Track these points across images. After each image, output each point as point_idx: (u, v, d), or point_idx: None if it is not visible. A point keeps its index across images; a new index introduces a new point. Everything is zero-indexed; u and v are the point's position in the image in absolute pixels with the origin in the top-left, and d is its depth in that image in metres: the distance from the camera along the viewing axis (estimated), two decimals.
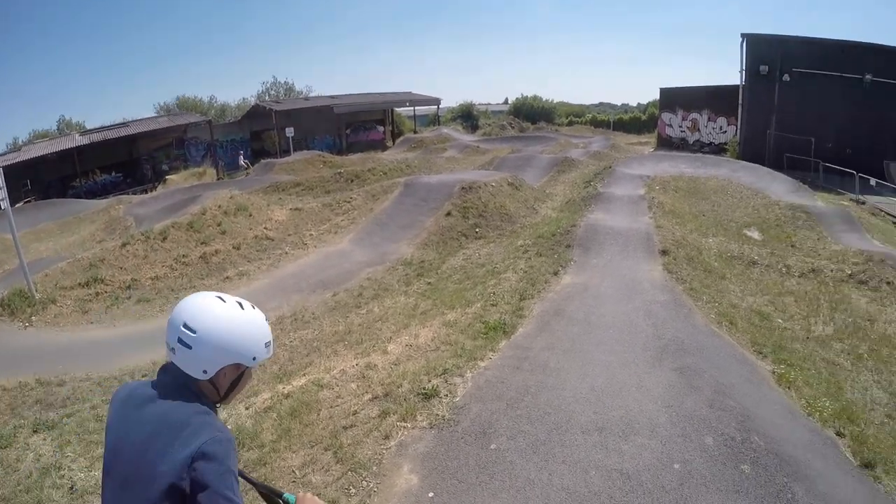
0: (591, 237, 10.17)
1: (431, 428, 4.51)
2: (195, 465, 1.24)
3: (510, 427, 4.58)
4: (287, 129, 31.55)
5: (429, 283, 9.44)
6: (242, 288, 10.87)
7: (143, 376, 7.10)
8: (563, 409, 4.91)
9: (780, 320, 8.05)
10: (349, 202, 15.25)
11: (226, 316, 1.46)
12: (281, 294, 10.45)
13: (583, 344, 6.16)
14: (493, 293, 7.55)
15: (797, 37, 23.89)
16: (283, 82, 52.51)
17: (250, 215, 14.04)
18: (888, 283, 9.70)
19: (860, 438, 5.30)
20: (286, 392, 5.53)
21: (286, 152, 31.06)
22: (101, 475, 1.39)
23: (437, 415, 4.56)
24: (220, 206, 14.21)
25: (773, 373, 6.32)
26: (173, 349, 1.45)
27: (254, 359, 1.50)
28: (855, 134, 22.46)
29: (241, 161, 31.16)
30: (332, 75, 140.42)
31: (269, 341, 1.54)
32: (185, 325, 1.42)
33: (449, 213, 12.76)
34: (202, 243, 12.30)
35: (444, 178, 16.20)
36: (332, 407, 5.11)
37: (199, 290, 8.88)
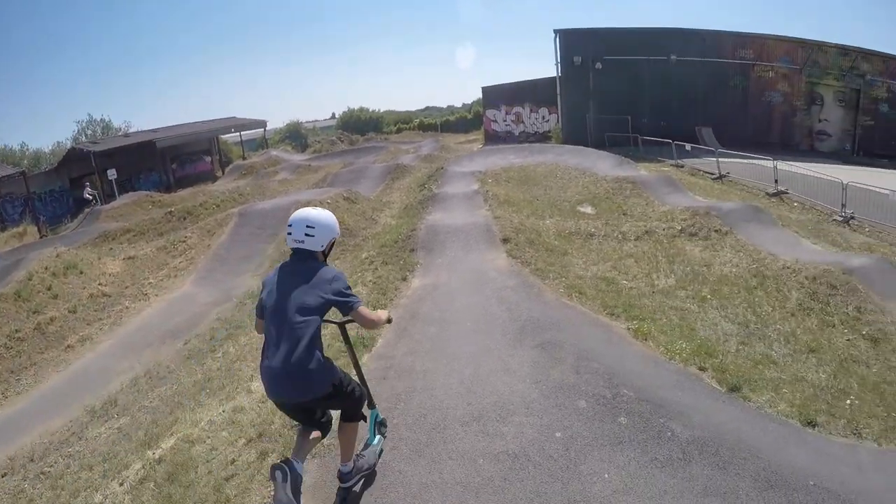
0: (432, 238, 13.68)
1: (314, 458, 5.78)
2: (341, 290, 4.17)
3: (391, 437, 5.95)
4: (109, 171, 38.40)
5: None
6: (88, 354, 13.24)
7: None
8: (437, 407, 6.49)
9: (625, 282, 11.53)
10: (184, 242, 19.57)
11: (324, 213, 4.43)
12: (130, 352, 12.84)
13: (443, 341, 8.17)
14: None
15: (606, 28, 36.87)
16: (99, 120, 63.34)
17: (82, 272, 17.27)
18: (716, 230, 14.75)
19: (721, 368, 8.03)
20: (157, 457, 6.79)
21: (110, 196, 38.35)
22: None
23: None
24: (47, 268, 17.00)
25: (629, 329, 9.04)
26: (302, 241, 4.26)
27: (338, 232, 4.51)
28: (667, 107, 34.96)
29: (87, 193, 38.79)
30: (151, 108, 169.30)
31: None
32: (308, 224, 4.27)
33: None
34: (34, 312, 14.95)
35: (278, 202, 21.34)
36: (208, 461, 6.33)
37: (40, 366, 12.37)
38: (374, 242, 15.53)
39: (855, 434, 7.27)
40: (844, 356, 9.58)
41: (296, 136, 65.56)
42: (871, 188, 18.42)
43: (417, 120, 69.98)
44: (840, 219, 18.31)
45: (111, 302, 16.36)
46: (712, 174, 24.26)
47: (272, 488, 4.39)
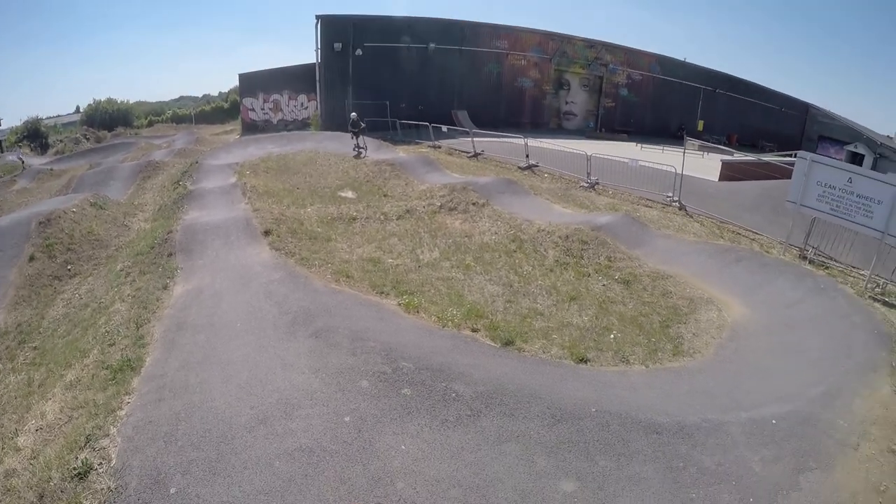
0: (191, 239, 13.39)
1: None
2: None
3: (180, 463, 5.87)
4: None
5: (35, 349, 10.96)
6: None
7: None
8: (221, 419, 6.49)
9: (390, 260, 12.41)
10: None
11: None
12: None
13: (215, 348, 8.17)
14: (107, 331, 9.51)
15: (368, 15, 38.57)
16: None
17: None
18: (473, 203, 16.35)
19: (493, 326, 9.32)
20: None
21: None
22: None
23: (102, 489, 5.68)
24: None
25: (400, 305, 9.89)
26: None
27: None
28: (425, 92, 38.26)
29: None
30: None
31: None
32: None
33: (32, 258, 14.97)
34: None
35: (16, 217, 18.38)
36: None
37: None
38: (128, 251, 14.82)
39: (623, 362, 9.16)
40: (602, 299, 11.69)
41: (35, 135, 59.91)
42: (612, 158, 21.81)
43: (170, 111, 67.70)
44: (586, 185, 21.40)
45: None
46: (468, 153, 26.59)
47: None
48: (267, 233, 13.38)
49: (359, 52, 37.03)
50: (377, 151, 25.69)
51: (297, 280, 10.80)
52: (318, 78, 38.77)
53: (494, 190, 18.26)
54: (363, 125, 26.00)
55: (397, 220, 15.49)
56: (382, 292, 10.56)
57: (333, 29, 36.88)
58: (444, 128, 29.54)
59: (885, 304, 13.49)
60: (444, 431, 6.35)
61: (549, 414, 6.69)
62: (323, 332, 8.38)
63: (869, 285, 14.16)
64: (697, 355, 9.86)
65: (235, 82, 54.23)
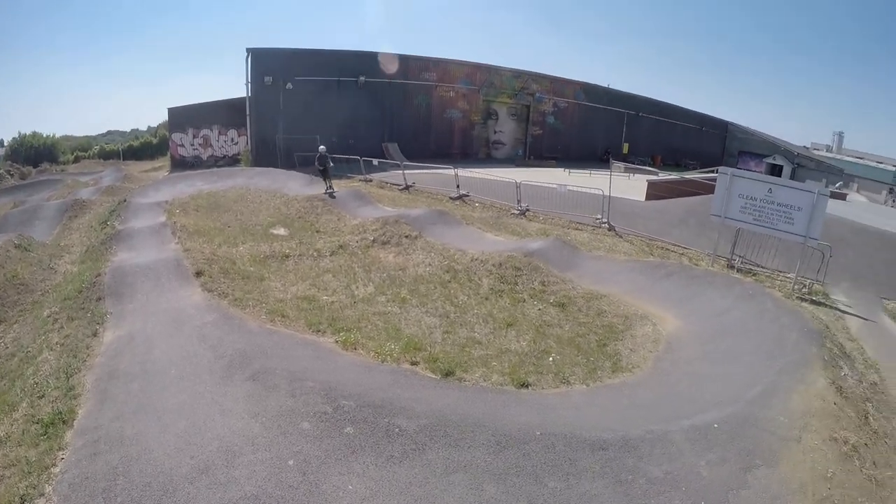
0: (121, 282, 12.88)
1: None
2: None
3: None
4: None
5: None
6: None
7: None
8: (160, 471, 6.28)
9: (325, 297, 12.26)
10: None
11: None
12: None
13: (150, 397, 7.92)
14: (36, 383, 9.06)
15: (299, 49, 38.49)
16: None
17: None
18: (406, 236, 16.34)
19: (432, 358, 9.33)
20: None
21: None
22: None
23: None
24: None
25: (337, 342, 9.80)
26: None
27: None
28: (356, 126, 37.84)
29: None
30: None
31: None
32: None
33: None
34: None
35: None
36: None
37: None
38: (55, 296, 14.16)
39: (564, 383, 9.35)
40: (539, 323, 11.90)
41: None
42: (541, 184, 22.55)
43: (98, 147, 65.63)
44: (517, 212, 21.75)
45: None
46: (399, 185, 26.68)
47: None
48: (199, 273, 13.08)
49: (289, 85, 37.06)
50: (308, 187, 25.52)
51: (231, 322, 10.58)
52: (248, 112, 38.56)
53: (427, 221, 18.36)
54: (331, 164, 25.08)
55: (331, 255, 15.37)
56: (319, 330, 10.46)
57: (264, 62, 36.89)
58: (375, 161, 29.68)
59: (813, 302, 14.22)
60: (391, 468, 6.29)
61: (495, 441, 6.70)
62: (260, 375, 8.22)
63: (795, 287, 14.93)
64: (636, 370, 10.17)
65: (165, 116, 52.26)
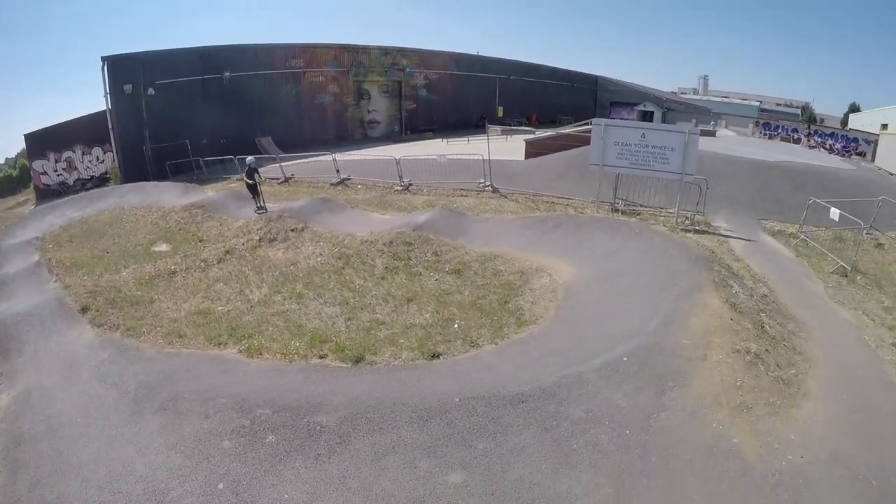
0: (4, 336, 11.79)
1: None
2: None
3: None
4: None
5: None
6: None
7: None
8: None
9: (220, 307, 11.87)
10: None
11: None
12: None
13: (63, 454, 7.49)
14: None
15: (157, 51, 35.81)
16: None
17: None
18: (292, 229, 16.05)
19: (339, 348, 9.32)
20: None
21: None
22: None
23: None
24: None
25: (240, 351, 9.55)
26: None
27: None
28: (226, 124, 36.02)
29: None
30: None
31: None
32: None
33: None
34: None
35: None
36: None
37: None
38: None
39: (474, 346, 9.62)
40: (438, 293, 12.08)
41: None
42: (420, 157, 22.70)
43: None
44: (401, 188, 21.87)
45: None
46: (278, 179, 26.00)
47: None
48: (85, 309, 12.33)
49: (151, 91, 34.98)
50: (185, 196, 24.29)
51: (128, 354, 10.10)
52: (110, 126, 35.93)
53: (311, 211, 18.11)
54: (261, 178, 21.54)
55: (219, 263, 14.82)
56: (220, 343, 10.16)
57: (122, 70, 34.41)
58: (250, 158, 29.01)
59: (696, 231, 15.20)
60: (321, 466, 6.26)
61: (417, 416, 6.76)
62: (170, 403, 7.93)
63: (678, 220, 15.89)
64: (540, 321, 10.55)
65: (23, 144, 47.01)
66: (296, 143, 36.21)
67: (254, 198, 20.55)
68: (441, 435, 6.42)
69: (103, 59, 33.79)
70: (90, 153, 40.54)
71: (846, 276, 13.36)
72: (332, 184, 23.73)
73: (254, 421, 7.02)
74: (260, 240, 15.87)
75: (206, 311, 11.76)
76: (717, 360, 7.91)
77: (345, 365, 8.97)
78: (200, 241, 16.99)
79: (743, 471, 6.21)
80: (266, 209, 19.78)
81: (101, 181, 38.21)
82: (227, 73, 37.20)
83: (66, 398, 8.94)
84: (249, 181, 20.42)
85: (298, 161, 27.55)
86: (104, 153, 39.81)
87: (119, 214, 22.31)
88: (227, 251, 15.43)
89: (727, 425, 6.80)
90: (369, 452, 6.28)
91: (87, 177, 40.55)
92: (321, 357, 9.29)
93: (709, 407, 7.03)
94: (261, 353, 9.53)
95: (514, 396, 6.96)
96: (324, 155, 26.13)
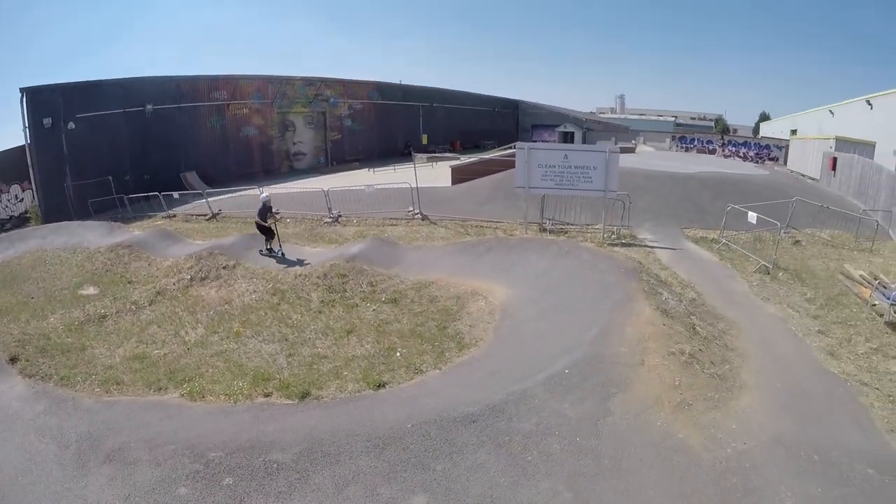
0: None
1: None
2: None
3: None
4: None
5: None
6: None
7: None
8: None
9: (156, 351, 11.62)
10: None
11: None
12: None
13: None
14: None
15: (78, 82, 34.20)
16: None
17: None
18: (223, 267, 15.85)
19: (284, 385, 9.25)
20: None
21: None
22: None
23: None
24: None
25: (183, 395, 9.36)
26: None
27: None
28: (150, 159, 35.15)
29: None
30: None
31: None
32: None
33: None
34: None
35: None
36: None
37: None
38: None
39: (418, 373, 9.78)
40: (377, 323, 12.26)
41: None
42: (348, 188, 22.88)
43: None
44: (330, 220, 21.89)
45: None
46: (206, 215, 25.46)
47: None
48: (13, 359, 11.79)
49: (71, 125, 33.33)
50: (110, 235, 23.42)
51: (64, 405, 9.69)
52: (30, 162, 33.92)
53: (242, 247, 17.89)
54: (276, 217, 18.64)
55: (150, 305, 14.47)
56: (160, 388, 9.92)
57: (41, 102, 32.66)
58: (176, 194, 28.16)
59: (623, 245, 15.88)
60: (283, 503, 6.28)
61: (373, 445, 6.83)
62: (116, 454, 7.64)
63: (605, 235, 16.56)
64: (480, 343, 10.85)
65: None
66: (222, 178, 35.72)
67: (266, 240, 17.96)
68: (398, 461, 6.51)
69: (22, 90, 32.36)
70: (8, 191, 37.98)
71: (768, 273, 14.31)
72: None
73: (208, 465, 6.92)
74: (191, 279, 15.59)
75: (142, 356, 11.48)
76: (655, 363, 8.41)
77: (291, 401, 8.95)
78: (129, 282, 16.47)
79: (691, 462, 6.64)
80: (278, 253, 17.61)
81: (21, 221, 35.76)
82: (149, 106, 36.14)
83: (2, 456, 8.47)
84: (263, 223, 17.74)
85: (225, 196, 27.13)
86: (23, 191, 37.48)
87: (42, 256, 21.42)
88: (158, 292, 15.11)
89: (671, 423, 7.26)
90: (330, 485, 6.31)
91: (5, 217, 38.02)
92: (266, 395, 9.22)
93: (652, 408, 7.49)
94: (204, 396, 9.37)
95: (464, 417, 7.14)
96: (251, 189, 25.96)
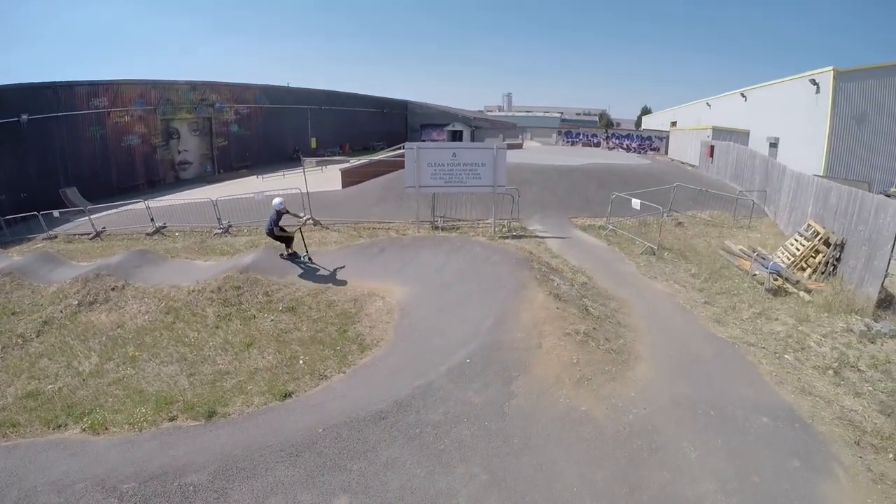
0: None
1: None
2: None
3: None
4: None
5: None
6: None
7: None
8: None
9: (50, 386, 11.14)
10: None
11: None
12: None
13: None
14: None
15: None
16: None
17: None
18: (112, 288, 15.20)
19: (189, 406, 9.14)
20: None
21: None
22: None
23: None
24: None
25: (84, 430, 8.97)
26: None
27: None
28: (27, 175, 32.05)
29: None
30: None
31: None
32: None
33: None
34: None
35: None
36: None
37: None
38: None
39: (323, 379, 10.02)
40: (276, 333, 12.35)
41: None
42: (237, 197, 22.63)
43: None
44: (220, 230, 21.43)
45: None
46: (89, 234, 24.03)
47: None
48: None
49: None
50: None
51: None
52: None
53: (130, 266, 17.06)
54: (302, 220, 17.57)
55: (38, 337, 13.75)
56: (60, 425, 9.41)
57: None
58: (56, 213, 26.28)
59: (514, 237, 16.56)
60: None
61: (287, 454, 6.91)
62: (24, 501, 7.21)
63: (496, 229, 17.18)
64: (382, 342, 11.18)
65: None
66: (104, 192, 33.83)
67: (287, 246, 16.61)
68: (315, 465, 6.64)
69: None
70: None
71: (654, 254, 15.42)
72: (147, 234, 22.47)
73: (122, 498, 6.71)
74: (79, 304, 14.82)
75: (36, 393, 10.93)
76: (552, 345, 9.04)
77: (198, 422, 8.85)
78: (13, 313, 15.28)
79: (597, 431, 7.25)
80: (304, 258, 16.37)
81: None
82: (24, 116, 32.90)
83: None
84: (282, 231, 16.30)
85: (109, 212, 25.90)
86: None
87: None
88: (45, 321, 14.31)
89: (573, 398, 7.87)
90: (250, 500, 6.33)
91: None
92: (171, 419, 9.05)
93: (553, 386, 8.08)
94: (107, 428, 9.04)
95: (374, 415, 7.38)
96: (136, 203, 24.86)
